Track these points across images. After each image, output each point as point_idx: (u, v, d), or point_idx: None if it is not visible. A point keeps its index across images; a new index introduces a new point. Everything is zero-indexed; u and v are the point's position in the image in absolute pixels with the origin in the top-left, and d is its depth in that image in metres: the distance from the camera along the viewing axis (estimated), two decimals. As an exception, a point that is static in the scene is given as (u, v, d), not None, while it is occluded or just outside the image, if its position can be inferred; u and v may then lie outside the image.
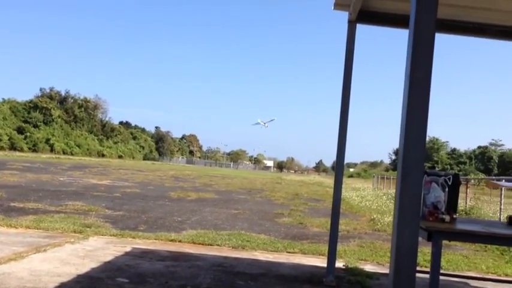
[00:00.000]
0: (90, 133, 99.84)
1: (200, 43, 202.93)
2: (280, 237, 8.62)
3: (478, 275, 6.29)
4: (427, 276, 3.32)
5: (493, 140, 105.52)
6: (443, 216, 3.49)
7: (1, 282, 4.27)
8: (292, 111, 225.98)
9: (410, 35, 2.33)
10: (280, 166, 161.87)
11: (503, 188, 12.38)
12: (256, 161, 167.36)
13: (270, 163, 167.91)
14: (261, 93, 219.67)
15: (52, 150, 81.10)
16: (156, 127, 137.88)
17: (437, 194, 3.71)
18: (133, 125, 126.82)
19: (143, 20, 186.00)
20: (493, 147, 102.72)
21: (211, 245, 7.18)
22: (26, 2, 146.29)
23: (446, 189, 3.75)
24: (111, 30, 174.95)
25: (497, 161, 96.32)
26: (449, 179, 3.77)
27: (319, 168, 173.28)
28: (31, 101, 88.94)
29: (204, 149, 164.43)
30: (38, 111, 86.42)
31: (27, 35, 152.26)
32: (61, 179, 20.22)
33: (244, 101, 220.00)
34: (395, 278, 2.28)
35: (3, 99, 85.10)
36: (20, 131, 79.56)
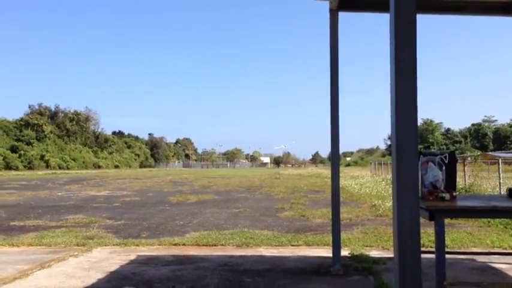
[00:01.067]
0: (84, 146, 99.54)
1: (185, 49, 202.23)
2: (283, 231, 8.62)
3: (484, 250, 6.32)
4: (433, 256, 3.33)
5: (485, 116, 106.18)
6: (443, 194, 3.49)
7: (8, 301, 4.25)
8: (284, 106, 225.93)
9: (392, 17, 2.33)
10: (277, 161, 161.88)
11: (501, 162, 12.44)
12: (253, 158, 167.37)
13: (266, 159, 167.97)
14: (250, 91, 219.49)
15: (48, 166, 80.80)
16: (150, 134, 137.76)
17: (435, 173, 3.71)
18: (126, 134, 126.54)
19: (127, 30, 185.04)
20: (486, 124, 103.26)
21: (215, 245, 7.18)
22: (5, 17, 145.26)
23: (444, 168, 3.75)
24: (95, 41, 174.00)
25: (492, 137, 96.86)
26: (445, 157, 3.78)
27: (316, 160, 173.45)
28: (22, 119, 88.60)
29: (200, 151, 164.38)
30: (29, 128, 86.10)
31: (9, 52, 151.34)
32: (59, 193, 20.14)
33: (235, 101, 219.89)
34: (400, 259, 2.29)
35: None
36: (14, 149, 79.22)
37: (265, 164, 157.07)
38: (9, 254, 6.61)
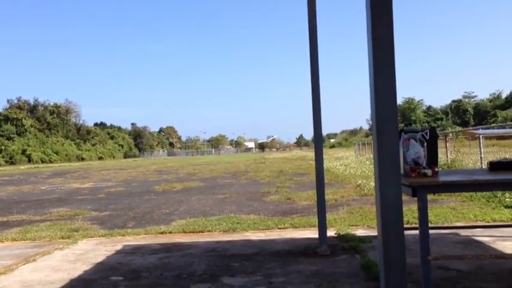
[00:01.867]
0: (66, 138, 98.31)
1: (164, 37, 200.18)
2: (269, 215, 8.65)
3: (467, 224, 6.42)
4: (417, 232, 3.35)
5: (465, 92, 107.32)
6: (425, 170, 3.51)
7: (-7, 298, 4.19)
8: (266, 90, 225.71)
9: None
10: (261, 146, 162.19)
11: (481, 138, 12.61)
12: (237, 144, 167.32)
13: (251, 144, 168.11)
14: (232, 77, 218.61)
15: (30, 160, 79.76)
16: (132, 124, 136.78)
17: (416, 150, 3.72)
18: (108, 124, 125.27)
19: (106, 20, 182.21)
20: (466, 100, 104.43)
21: (202, 231, 7.17)
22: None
23: (425, 144, 3.77)
24: (72, 32, 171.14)
25: (472, 113, 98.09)
26: (426, 133, 3.79)
27: (300, 143, 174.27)
28: (0, 114, 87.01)
29: (184, 139, 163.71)
30: (9, 123, 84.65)
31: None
32: (42, 187, 19.90)
33: (216, 87, 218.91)
34: (383, 235, 2.29)
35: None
36: (-6, 145, 77.92)
37: (250, 149, 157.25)
38: (-8, 250, 6.51)
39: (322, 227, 5.43)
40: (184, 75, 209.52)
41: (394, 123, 2.27)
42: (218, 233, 7.01)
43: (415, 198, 3.27)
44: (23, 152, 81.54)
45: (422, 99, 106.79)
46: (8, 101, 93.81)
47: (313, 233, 6.28)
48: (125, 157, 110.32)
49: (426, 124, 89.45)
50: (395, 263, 2.27)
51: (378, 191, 2.29)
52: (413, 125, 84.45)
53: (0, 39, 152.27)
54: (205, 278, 4.53)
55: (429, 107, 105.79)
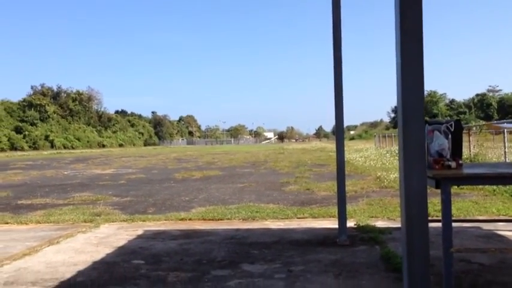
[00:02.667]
0: (88, 125, 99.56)
1: (187, 28, 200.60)
2: (289, 204, 8.66)
3: (490, 218, 6.34)
4: (439, 225, 3.33)
5: (490, 86, 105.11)
6: (449, 162, 3.47)
7: (18, 277, 4.30)
8: (286, 81, 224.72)
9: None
10: (280, 137, 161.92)
11: (506, 132, 12.38)
12: (257, 134, 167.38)
13: (270, 135, 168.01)
14: (252, 68, 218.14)
15: (52, 146, 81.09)
16: (153, 112, 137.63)
17: (440, 142, 3.68)
18: (129, 112, 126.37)
19: (128, 10, 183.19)
20: (491, 94, 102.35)
21: (221, 219, 7.22)
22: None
23: (449, 136, 3.72)
24: (95, 21, 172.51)
25: (496, 107, 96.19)
26: (451, 125, 3.74)
27: (319, 134, 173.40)
28: (24, 100, 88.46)
29: (203, 128, 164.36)
30: (33, 109, 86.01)
31: (11, 34, 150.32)
32: (65, 172, 20.25)
33: (237, 77, 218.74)
34: (407, 227, 2.28)
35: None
36: (18, 130, 79.38)
37: (269, 139, 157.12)
38: (18, 231, 6.68)
39: (342, 217, 5.42)
40: (206, 65, 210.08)
41: (420, 114, 2.25)
42: (237, 221, 7.06)
43: (435, 191, 3.24)
44: (46, 137, 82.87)
45: (445, 93, 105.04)
46: (32, 88, 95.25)
47: (332, 224, 6.27)
48: (145, 145, 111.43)
49: (448, 118, 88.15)
50: (419, 254, 2.27)
51: (403, 183, 2.28)
52: (436, 115, 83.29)
53: (25, 28, 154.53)
54: (225, 265, 4.57)
55: (452, 101, 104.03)
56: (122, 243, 5.71)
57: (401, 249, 2.41)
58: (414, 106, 2.25)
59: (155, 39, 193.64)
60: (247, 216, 7.31)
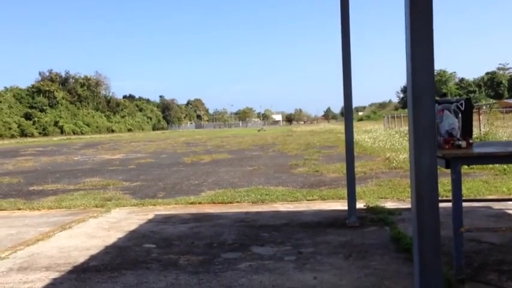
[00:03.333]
0: (97, 110, 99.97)
1: (193, 11, 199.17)
2: (298, 187, 8.67)
3: (500, 197, 6.30)
4: (449, 205, 3.31)
5: (500, 64, 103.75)
6: (459, 142, 3.44)
7: (32, 262, 4.37)
8: (293, 62, 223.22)
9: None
10: (289, 119, 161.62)
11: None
12: (265, 117, 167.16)
13: (278, 117, 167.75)
14: (259, 50, 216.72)
15: (62, 132, 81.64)
16: (161, 96, 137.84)
17: (450, 121, 3.64)
18: (137, 97, 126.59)
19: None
20: (501, 72, 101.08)
21: (231, 202, 7.26)
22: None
23: (460, 116, 3.68)
24: (101, 6, 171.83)
25: (507, 85, 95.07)
26: (461, 104, 3.70)
27: (328, 116, 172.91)
28: (33, 86, 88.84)
29: (211, 111, 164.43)
30: (41, 95, 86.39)
31: (17, 21, 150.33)
32: (75, 158, 20.41)
33: (244, 60, 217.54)
34: (417, 207, 2.27)
35: (5, 87, 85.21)
36: (28, 117, 79.92)
37: (278, 121, 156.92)
38: (30, 217, 6.76)
39: (351, 199, 5.42)
40: (213, 48, 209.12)
41: (431, 92, 2.22)
42: (247, 204, 7.09)
43: (445, 171, 3.21)
44: (55, 123, 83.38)
45: (454, 72, 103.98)
46: (40, 74, 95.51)
47: (341, 205, 6.28)
48: (153, 129, 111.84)
49: (458, 97, 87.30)
50: (429, 234, 2.26)
51: (413, 162, 2.26)
52: (446, 93, 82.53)
53: (31, 14, 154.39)
54: (235, 247, 4.60)
55: (462, 80, 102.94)
56: (133, 227, 5.76)
57: (412, 230, 2.40)
58: (424, 85, 2.22)
59: (161, 22, 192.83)
60: (257, 199, 7.33)
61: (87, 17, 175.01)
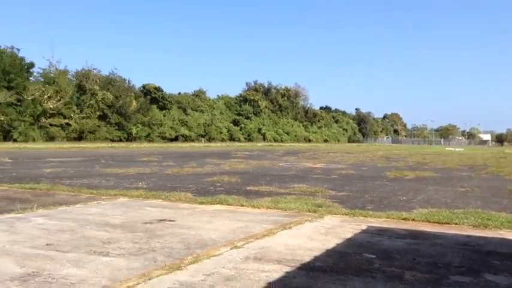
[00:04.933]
0: (295, 120, 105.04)
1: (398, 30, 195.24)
2: (524, 215, 7.73)
3: None
4: None
5: None
6: None
7: (264, 255, 4.79)
8: (503, 75, 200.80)
9: None
10: (499, 139, 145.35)
11: None
12: (470, 135, 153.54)
13: (486, 137, 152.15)
14: (461, 62, 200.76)
15: (264, 138, 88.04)
16: (356, 109, 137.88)
17: None
18: (333, 108, 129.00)
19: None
20: None
21: (448, 223, 6.84)
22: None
23: None
24: (302, 16, 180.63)
25: None
26: None
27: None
28: (240, 95, 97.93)
29: (409, 127, 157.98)
30: (247, 103, 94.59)
31: (230, 38, 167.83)
32: (280, 164, 21.73)
33: (445, 73, 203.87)
34: None
35: (218, 95, 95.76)
36: (235, 123, 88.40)
37: (485, 141, 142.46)
38: (253, 214, 7.43)
39: None
40: (411, 61, 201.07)
41: None
42: (467, 227, 6.60)
43: None
44: (259, 130, 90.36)
45: None
46: (246, 84, 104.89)
47: None
48: (348, 141, 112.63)
49: None
50: None
51: None
52: None
53: (241, 33, 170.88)
54: (464, 271, 4.33)
55: None
56: (348, 235, 5.87)
57: None
58: None
59: (355, 34, 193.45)
60: (478, 223, 6.76)
61: (291, 30, 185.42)
